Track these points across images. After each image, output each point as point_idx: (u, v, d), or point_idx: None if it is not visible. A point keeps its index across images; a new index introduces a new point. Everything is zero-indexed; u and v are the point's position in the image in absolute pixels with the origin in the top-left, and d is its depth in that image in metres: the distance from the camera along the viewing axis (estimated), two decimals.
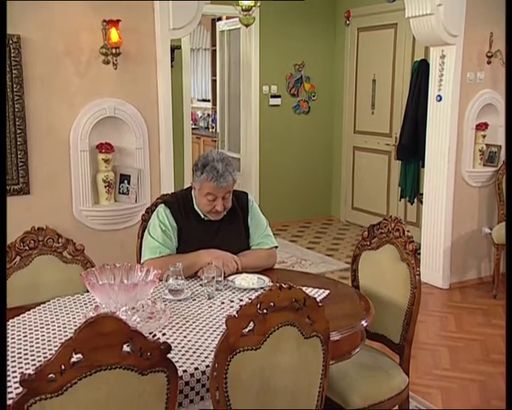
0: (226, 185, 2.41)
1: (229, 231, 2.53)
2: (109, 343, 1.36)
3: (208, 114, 8.97)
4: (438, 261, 4.62)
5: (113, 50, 3.51)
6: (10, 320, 2.00)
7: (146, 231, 2.54)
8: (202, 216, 2.51)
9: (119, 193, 3.89)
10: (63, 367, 1.32)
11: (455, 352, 3.53)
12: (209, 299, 2.22)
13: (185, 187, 2.78)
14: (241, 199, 2.60)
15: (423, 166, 4.88)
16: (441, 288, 4.59)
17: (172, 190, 3.76)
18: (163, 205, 2.53)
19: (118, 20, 3.47)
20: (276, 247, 2.67)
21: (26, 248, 2.34)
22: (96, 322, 1.34)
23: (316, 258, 5.41)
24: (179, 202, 2.54)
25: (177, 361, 1.69)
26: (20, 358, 1.74)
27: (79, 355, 1.33)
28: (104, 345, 1.35)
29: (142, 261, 2.46)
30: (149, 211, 2.75)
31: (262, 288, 2.30)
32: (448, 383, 3.16)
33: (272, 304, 1.60)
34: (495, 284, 4.45)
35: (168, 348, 1.45)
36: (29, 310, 2.10)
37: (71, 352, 1.32)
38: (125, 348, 1.39)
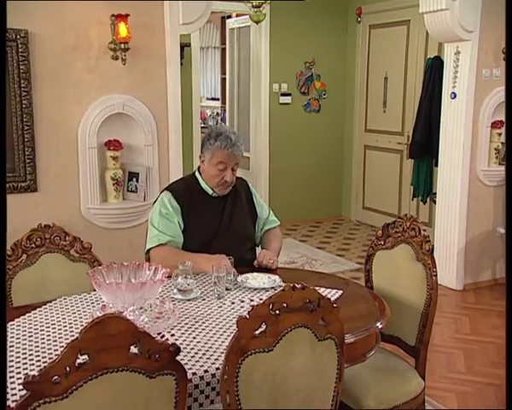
0: (237, 155, 2.49)
1: (235, 209, 2.60)
2: (116, 345, 1.31)
3: (217, 113, 8.92)
4: (451, 262, 4.53)
5: (122, 46, 3.47)
6: (16, 319, 1.96)
7: (149, 221, 2.57)
8: (210, 192, 2.55)
9: (128, 191, 3.85)
10: (68, 369, 1.26)
11: (470, 355, 3.45)
12: (219, 299, 2.16)
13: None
14: (240, 181, 2.69)
15: (436, 165, 4.80)
16: (455, 289, 4.50)
17: None
18: (165, 191, 2.58)
19: (126, 15, 3.43)
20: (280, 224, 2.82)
21: (33, 245, 2.30)
22: (103, 322, 1.29)
23: (326, 258, 5.34)
24: (182, 185, 2.61)
25: (187, 363, 1.64)
26: (25, 358, 1.69)
27: (85, 357, 1.28)
28: (111, 346, 1.30)
29: (144, 251, 2.51)
30: None
31: (273, 287, 2.25)
32: (463, 386, 3.08)
33: (285, 305, 1.54)
34: None
35: (177, 349, 1.40)
36: (35, 309, 2.06)
37: (76, 353, 1.27)
38: (133, 349, 1.34)
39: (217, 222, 2.53)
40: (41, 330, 1.88)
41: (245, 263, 2.50)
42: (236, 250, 2.46)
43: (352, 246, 5.76)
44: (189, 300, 2.14)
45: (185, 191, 2.55)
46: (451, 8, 4.09)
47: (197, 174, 2.60)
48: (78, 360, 1.27)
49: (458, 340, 3.67)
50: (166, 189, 2.60)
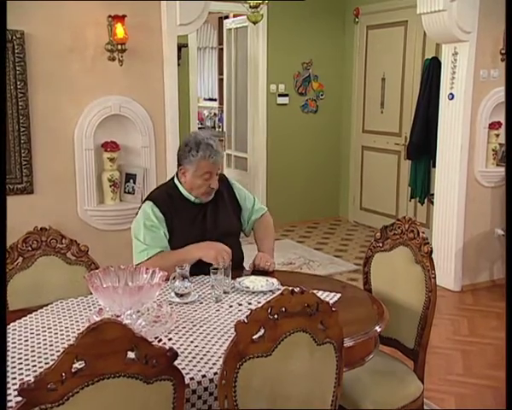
0: (220, 160, 2.50)
1: (218, 210, 2.54)
2: (113, 350, 1.29)
3: (215, 114, 8.91)
4: (449, 263, 4.53)
5: (119, 47, 3.45)
6: (12, 324, 1.94)
7: (133, 236, 2.45)
8: (193, 199, 2.49)
9: (125, 192, 3.83)
10: (64, 376, 1.25)
11: (468, 357, 3.44)
12: (217, 302, 2.15)
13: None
14: (221, 178, 2.59)
15: (434, 166, 4.79)
16: (453, 290, 4.50)
17: None
18: (146, 201, 2.49)
19: (123, 16, 3.41)
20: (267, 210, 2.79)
21: (29, 248, 2.29)
22: (99, 328, 1.27)
23: (324, 259, 5.33)
24: (163, 193, 2.53)
25: (184, 368, 1.62)
26: (21, 363, 1.67)
27: (81, 363, 1.26)
28: (107, 352, 1.28)
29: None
30: None
31: (271, 291, 2.24)
32: (462, 388, 3.07)
33: (284, 309, 1.53)
34: None
35: (175, 354, 1.38)
36: (31, 313, 2.04)
37: (72, 359, 1.25)
38: (130, 355, 1.32)
39: (201, 227, 2.46)
40: (37, 335, 1.87)
41: (235, 260, 2.40)
42: None
43: (350, 247, 5.75)
44: (186, 303, 2.13)
45: (167, 199, 2.47)
46: (449, 8, 4.09)
47: (176, 182, 2.51)
48: (74, 366, 1.26)
49: (456, 342, 3.66)
50: (147, 198, 2.51)
